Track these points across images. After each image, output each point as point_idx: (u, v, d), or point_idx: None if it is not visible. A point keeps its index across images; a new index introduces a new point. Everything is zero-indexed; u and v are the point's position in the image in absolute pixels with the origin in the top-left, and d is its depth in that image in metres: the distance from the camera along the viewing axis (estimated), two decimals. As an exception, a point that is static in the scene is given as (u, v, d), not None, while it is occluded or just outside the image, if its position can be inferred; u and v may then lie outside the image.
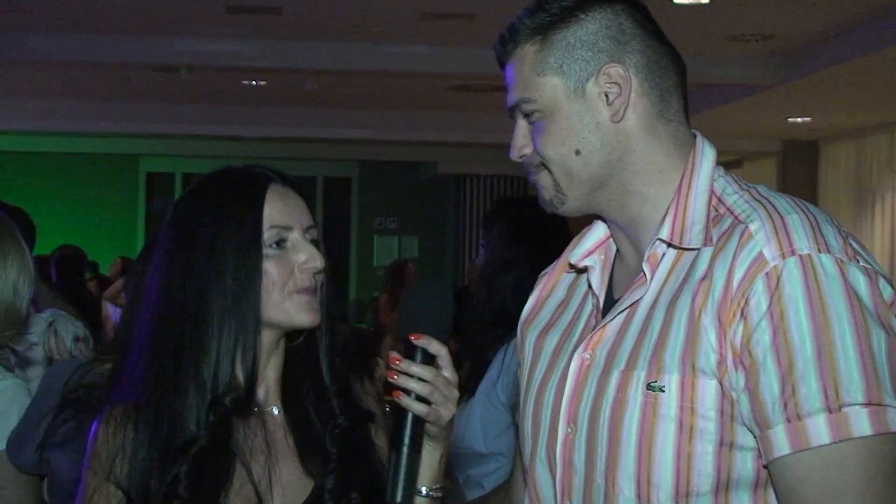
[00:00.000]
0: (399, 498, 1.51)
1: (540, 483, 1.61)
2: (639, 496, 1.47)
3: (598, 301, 1.60)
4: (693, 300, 1.45)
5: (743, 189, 1.53)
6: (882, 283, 1.43)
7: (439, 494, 1.63)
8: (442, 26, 7.81)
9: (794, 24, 7.64)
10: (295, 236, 1.66)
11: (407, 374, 1.54)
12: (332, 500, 1.64)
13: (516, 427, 1.75)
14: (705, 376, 1.43)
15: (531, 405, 1.64)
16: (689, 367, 1.44)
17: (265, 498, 1.62)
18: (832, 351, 1.36)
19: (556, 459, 1.57)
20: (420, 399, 1.55)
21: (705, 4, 7.03)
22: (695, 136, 1.60)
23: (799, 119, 11.06)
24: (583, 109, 1.52)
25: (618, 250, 1.63)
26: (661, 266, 1.51)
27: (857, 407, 1.35)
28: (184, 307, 1.62)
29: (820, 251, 1.40)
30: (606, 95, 1.51)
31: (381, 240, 15.31)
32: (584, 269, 1.65)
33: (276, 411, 1.70)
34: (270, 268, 1.63)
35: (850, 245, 1.44)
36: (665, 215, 1.52)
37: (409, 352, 1.54)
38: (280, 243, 1.65)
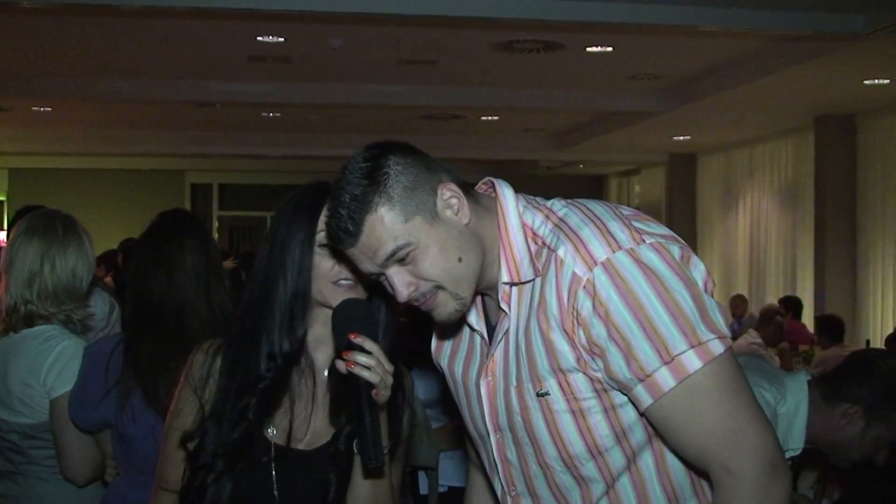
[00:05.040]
0: (378, 459, 1.49)
1: (493, 478, 1.64)
2: (567, 466, 1.50)
3: (482, 333, 1.59)
4: (539, 324, 1.45)
5: (546, 217, 1.49)
6: (669, 246, 1.42)
7: (386, 450, 1.60)
8: (412, 70, 7.79)
9: (677, 66, 7.68)
10: None
11: (354, 359, 1.50)
12: (345, 444, 1.63)
13: None
14: (572, 373, 1.44)
15: (469, 422, 1.65)
16: (559, 371, 1.45)
17: (297, 431, 1.65)
18: (651, 322, 1.37)
19: (495, 459, 1.59)
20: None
21: (610, 52, 7.04)
22: (493, 184, 1.55)
23: (681, 137, 11.11)
24: (445, 227, 1.44)
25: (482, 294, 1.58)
26: (511, 301, 1.50)
27: (684, 353, 1.37)
28: (262, 286, 1.67)
29: (614, 251, 1.39)
30: (451, 208, 1.45)
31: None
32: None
33: (325, 373, 1.70)
34: (319, 263, 1.65)
35: (635, 228, 1.43)
36: (500, 263, 1.49)
37: (352, 346, 1.51)
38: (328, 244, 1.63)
